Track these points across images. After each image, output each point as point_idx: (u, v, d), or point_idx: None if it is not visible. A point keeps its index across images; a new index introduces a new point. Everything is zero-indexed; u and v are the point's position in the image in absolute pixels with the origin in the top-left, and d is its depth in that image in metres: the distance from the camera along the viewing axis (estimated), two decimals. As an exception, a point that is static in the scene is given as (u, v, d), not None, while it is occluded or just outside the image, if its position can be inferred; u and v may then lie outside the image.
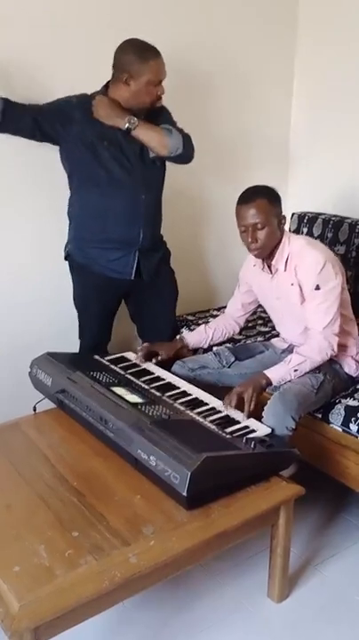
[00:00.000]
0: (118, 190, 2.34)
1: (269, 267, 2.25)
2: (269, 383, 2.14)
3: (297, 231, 3.22)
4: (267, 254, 2.21)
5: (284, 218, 2.20)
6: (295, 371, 2.14)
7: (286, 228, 3.20)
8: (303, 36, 3.28)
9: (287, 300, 2.25)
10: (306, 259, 2.15)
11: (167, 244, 2.63)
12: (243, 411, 2.06)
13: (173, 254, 2.65)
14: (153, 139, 2.33)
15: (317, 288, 2.13)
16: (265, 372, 2.15)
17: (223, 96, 3.11)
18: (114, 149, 2.31)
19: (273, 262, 2.22)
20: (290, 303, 2.24)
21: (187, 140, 2.38)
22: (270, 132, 3.37)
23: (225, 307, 2.64)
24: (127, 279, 2.45)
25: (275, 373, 2.14)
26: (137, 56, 2.21)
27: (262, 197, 2.12)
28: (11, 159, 2.49)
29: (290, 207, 3.44)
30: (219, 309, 3.10)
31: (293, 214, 3.27)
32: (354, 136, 3.11)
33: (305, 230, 3.18)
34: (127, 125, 2.27)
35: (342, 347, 2.26)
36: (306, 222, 3.20)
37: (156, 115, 2.36)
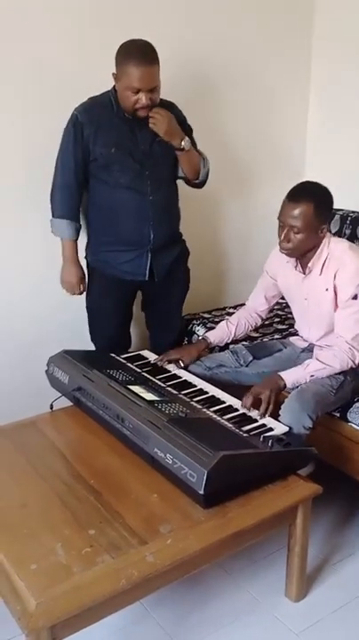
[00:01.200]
0: (126, 192, 2.33)
1: (303, 266, 2.21)
2: (285, 385, 2.12)
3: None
4: (297, 256, 2.17)
5: (328, 227, 2.11)
6: (311, 376, 2.11)
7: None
8: (319, 47, 3.26)
9: (317, 304, 2.21)
10: (348, 266, 2.09)
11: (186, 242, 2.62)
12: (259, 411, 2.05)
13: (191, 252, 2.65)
14: (191, 165, 2.38)
15: (355, 297, 2.08)
16: (280, 373, 2.13)
17: (241, 102, 3.10)
18: (121, 154, 2.29)
19: (309, 264, 2.17)
20: (319, 307, 2.21)
21: (208, 171, 2.44)
22: (287, 130, 3.35)
23: (241, 304, 2.61)
24: (139, 280, 2.45)
25: (291, 376, 2.11)
26: (121, 57, 2.16)
27: (309, 201, 2.03)
28: (20, 163, 2.50)
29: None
30: (234, 307, 3.08)
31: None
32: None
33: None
34: (183, 146, 2.29)
35: None
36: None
37: (168, 108, 2.32)
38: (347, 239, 2.94)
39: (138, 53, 2.13)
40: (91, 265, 2.51)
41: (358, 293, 2.08)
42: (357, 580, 2.06)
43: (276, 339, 2.63)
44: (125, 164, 2.30)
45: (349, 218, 3.05)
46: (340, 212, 3.10)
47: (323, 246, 2.14)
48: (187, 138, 2.30)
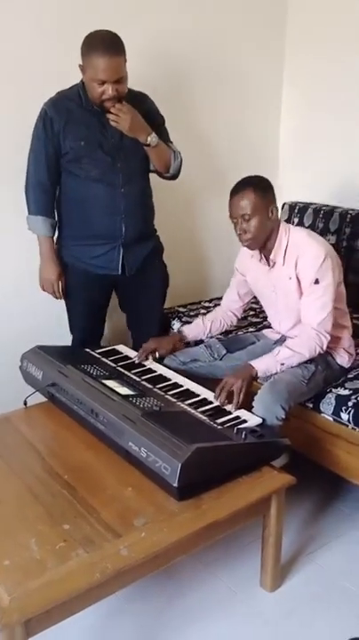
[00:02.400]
0: (97, 185, 2.32)
1: (267, 259, 2.24)
2: (256, 374, 2.14)
3: (288, 221, 3.21)
4: (259, 245, 2.19)
5: (276, 208, 2.17)
6: (282, 364, 2.13)
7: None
8: (292, 41, 3.30)
9: (284, 294, 2.24)
10: (307, 252, 2.13)
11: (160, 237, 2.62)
12: (232, 402, 2.06)
13: (166, 246, 2.64)
14: (161, 159, 2.37)
15: (316, 282, 2.11)
16: (251, 362, 2.15)
17: (212, 88, 3.10)
18: (91, 147, 2.28)
19: (271, 255, 2.21)
20: (286, 297, 2.24)
21: (181, 163, 2.43)
22: (261, 122, 3.37)
23: (217, 298, 2.63)
24: (113, 274, 2.44)
25: (262, 364, 2.14)
26: (86, 48, 2.14)
27: (249, 187, 2.11)
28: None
29: (281, 197, 3.43)
30: (210, 301, 3.09)
31: (284, 204, 3.27)
32: (345, 126, 3.11)
33: (296, 220, 3.18)
34: (149, 142, 2.27)
35: (336, 339, 2.27)
36: (297, 212, 3.19)
37: (137, 100, 2.31)
38: (320, 232, 2.99)
39: (102, 44, 2.10)
40: (64, 260, 2.49)
41: (318, 278, 2.11)
42: (332, 569, 2.09)
43: (250, 332, 2.65)
44: (96, 157, 2.29)
45: (322, 211, 3.07)
46: (313, 206, 3.13)
47: (282, 236, 2.18)
48: (153, 133, 2.28)
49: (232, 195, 2.14)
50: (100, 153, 2.29)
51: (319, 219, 3.06)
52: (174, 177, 2.49)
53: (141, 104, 2.32)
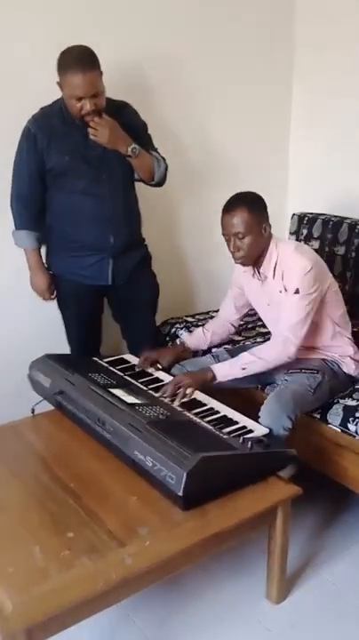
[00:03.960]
0: (83, 198, 2.34)
1: (259, 273, 2.25)
2: (214, 378, 2.17)
3: (297, 232, 3.21)
4: (251, 262, 2.21)
5: (269, 225, 2.18)
6: (243, 369, 2.16)
7: (287, 228, 3.26)
8: (301, 47, 3.30)
9: (277, 308, 2.24)
10: (292, 265, 2.14)
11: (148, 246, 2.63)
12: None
13: (154, 256, 2.65)
14: (145, 168, 2.39)
15: (296, 292, 2.13)
16: (213, 366, 2.20)
17: (219, 98, 3.12)
18: (75, 161, 2.30)
19: (261, 269, 2.23)
20: (278, 310, 2.23)
21: (166, 169, 2.45)
22: (269, 132, 3.38)
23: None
24: (103, 284, 2.46)
25: (223, 369, 2.19)
26: (60, 66, 2.16)
27: (243, 206, 2.11)
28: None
29: (290, 208, 3.45)
30: (217, 311, 3.09)
31: (293, 215, 3.27)
32: (355, 136, 3.10)
33: (304, 231, 3.17)
34: (129, 152, 2.29)
35: (338, 348, 2.27)
36: (306, 223, 3.19)
37: (117, 110, 2.33)
38: (329, 243, 2.99)
39: (74, 61, 2.12)
40: (54, 272, 2.52)
41: (299, 288, 2.12)
42: (338, 581, 2.07)
43: (258, 342, 2.64)
44: (81, 171, 2.32)
45: (331, 222, 3.07)
46: (322, 217, 3.12)
47: (272, 250, 2.19)
48: (133, 144, 2.29)
49: (225, 212, 2.15)
50: (85, 166, 2.32)
51: (328, 230, 3.06)
52: (160, 184, 2.50)
53: (121, 114, 2.34)
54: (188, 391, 2.15)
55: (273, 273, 2.20)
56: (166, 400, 2.13)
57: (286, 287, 2.16)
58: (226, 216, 2.14)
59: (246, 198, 2.15)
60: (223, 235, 2.17)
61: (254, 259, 2.19)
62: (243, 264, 2.22)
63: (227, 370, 2.18)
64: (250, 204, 2.13)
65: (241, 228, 2.11)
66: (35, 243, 2.46)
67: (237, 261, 2.21)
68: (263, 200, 2.19)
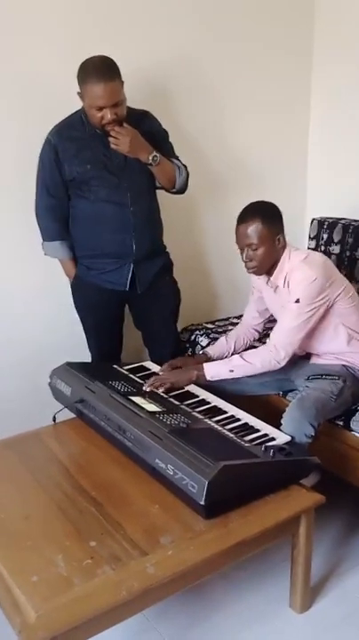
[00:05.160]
0: (106, 205, 2.35)
1: (271, 282, 2.26)
2: (203, 376, 2.21)
3: (317, 237, 3.19)
4: (263, 272, 2.22)
5: (283, 235, 2.18)
6: (231, 371, 2.20)
7: (306, 233, 3.23)
8: (319, 55, 3.28)
9: None
10: (297, 276, 2.14)
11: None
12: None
13: (175, 263, 2.65)
14: (166, 176, 2.40)
15: (297, 301, 2.12)
16: (204, 364, 2.23)
17: (237, 102, 3.11)
18: (97, 170, 2.32)
19: (271, 278, 2.23)
20: None
21: (187, 177, 2.46)
22: (289, 136, 3.37)
23: (241, 315, 2.63)
24: (122, 290, 2.46)
25: (211, 368, 2.23)
26: (81, 77, 2.18)
27: (257, 217, 2.12)
28: (14, 177, 2.54)
29: (309, 213, 3.43)
30: (238, 317, 3.08)
31: (313, 220, 3.25)
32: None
33: (325, 236, 3.15)
34: (151, 161, 2.30)
35: (356, 354, 2.26)
36: (326, 228, 3.17)
37: (138, 119, 2.35)
38: (350, 249, 2.97)
39: (95, 71, 2.13)
40: (75, 277, 2.54)
41: (300, 298, 2.12)
42: (363, 590, 2.05)
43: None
44: (103, 179, 2.33)
45: (351, 227, 3.05)
46: (343, 222, 3.10)
47: (285, 260, 2.19)
48: (154, 152, 2.30)
49: (239, 222, 2.15)
50: (107, 174, 2.33)
51: (348, 234, 3.04)
52: (181, 192, 2.51)
53: (142, 123, 2.35)
54: (161, 388, 2.21)
55: (283, 282, 2.20)
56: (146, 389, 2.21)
57: (290, 296, 2.16)
58: (239, 227, 2.14)
59: (261, 209, 2.15)
60: (237, 244, 2.18)
61: (267, 269, 2.20)
62: (256, 274, 2.24)
63: (216, 370, 2.23)
64: (263, 215, 2.13)
65: (254, 240, 2.12)
66: (70, 252, 2.49)
67: (249, 271, 2.22)
68: (278, 210, 2.19)
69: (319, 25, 3.24)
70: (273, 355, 2.17)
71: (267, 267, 2.19)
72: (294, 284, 2.15)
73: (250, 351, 2.25)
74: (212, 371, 2.22)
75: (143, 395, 2.18)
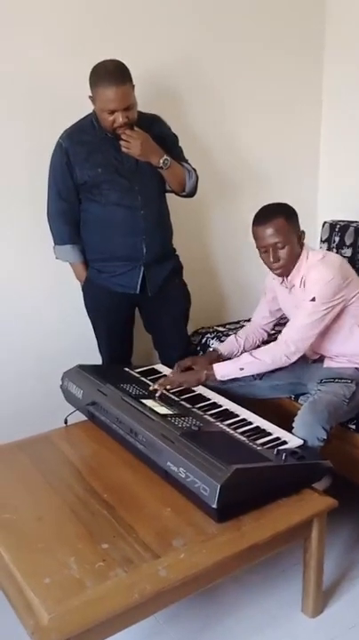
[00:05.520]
0: (117, 209, 2.36)
1: (287, 282, 2.25)
2: (213, 376, 2.20)
3: (329, 240, 3.18)
4: (288, 272, 2.21)
5: (303, 233, 2.18)
6: (241, 369, 2.19)
7: (318, 236, 3.23)
8: (331, 57, 3.27)
9: None
10: (314, 275, 2.14)
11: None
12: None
13: (185, 266, 2.66)
14: (176, 179, 2.41)
15: (312, 300, 2.12)
16: (214, 365, 2.23)
17: (248, 104, 3.11)
18: (108, 174, 2.33)
19: (289, 278, 2.22)
20: None
21: (197, 180, 2.47)
22: (299, 138, 3.36)
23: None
24: (132, 293, 2.47)
25: (222, 368, 2.22)
26: (93, 80, 2.19)
27: (279, 216, 2.12)
28: (26, 178, 2.55)
29: (321, 216, 3.42)
30: (248, 320, 3.08)
31: (325, 223, 3.24)
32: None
33: (336, 239, 3.14)
34: (161, 164, 2.31)
35: None
36: (337, 231, 3.16)
37: (148, 123, 2.36)
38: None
39: (107, 75, 2.15)
40: (85, 280, 2.55)
41: (316, 296, 2.11)
42: (375, 595, 2.03)
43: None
44: (114, 183, 2.34)
45: (363, 230, 3.04)
46: (354, 225, 3.09)
47: (302, 260, 2.18)
48: (165, 156, 2.31)
49: (260, 223, 2.14)
50: (118, 178, 2.34)
51: (360, 237, 3.03)
52: (190, 195, 2.52)
53: (152, 127, 2.36)
54: (167, 387, 2.23)
55: (299, 282, 2.19)
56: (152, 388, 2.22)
57: (305, 295, 2.15)
58: (261, 227, 2.13)
59: (280, 207, 2.16)
60: (259, 247, 2.17)
61: (291, 268, 2.19)
62: (281, 274, 2.22)
63: (226, 370, 2.22)
64: (286, 214, 2.13)
65: (279, 238, 2.11)
66: (81, 255, 2.50)
67: (276, 272, 2.20)
68: (294, 209, 2.19)
69: (330, 23, 3.22)
70: (283, 350, 2.16)
71: (291, 266, 2.18)
72: (311, 283, 2.14)
73: (259, 349, 2.25)
74: (222, 370, 2.22)
75: (154, 397, 2.18)
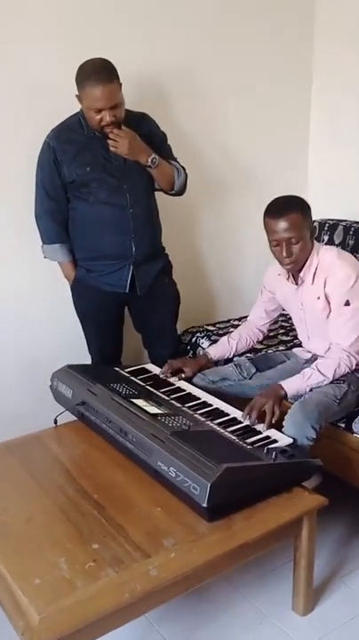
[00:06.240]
0: (105, 208, 2.36)
1: (295, 277, 2.22)
2: (285, 394, 2.12)
3: (318, 239, 3.18)
4: (299, 267, 2.17)
5: (315, 228, 2.16)
6: (308, 385, 2.12)
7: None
8: (320, 51, 3.27)
9: (311, 312, 2.23)
10: (337, 273, 2.11)
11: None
12: (263, 422, 2.04)
13: (175, 265, 2.65)
14: (165, 178, 2.41)
15: (347, 304, 2.09)
16: (281, 382, 2.14)
17: (235, 100, 3.11)
18: (97, 172, 2.32)
19: (300, 274, 2.19)
20: (313, 315, 2.22)
21: (186, 178, 2.47)
22: (289, 137, 3.37)
23: (244, 317, 2.62)
24: (121, 292, 2.46)
25: (292, 386, 2.12)
26: (79, 79, 2.18)
27: (295, 210, 2.07)
28: (24, 181, 2.52)
29: (310, 215, 3.43)
30: (239, 319, 3.09)
31: (313, 222, 3.24)
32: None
33: (326, 238, 3.15)
34: (150, 163, 2.31)
35: None
36: (326, 230, 3.17)
37: (136, 121, 2.36)
38: (351, 250, 2.96)
39: (93, 74, 2.14)
40: (74, 279, 2.54)
41: (349, 299, 2.09)
42: (365, 592, 2.04)
43: (280, 350, 2.63)
44: (102, 181, 2.33)
45: (353, 229, 3.05)
46: (343, 223, 3.11)
47: (314, 255, 2.15)
48: (153, 154, 2.32)
49: (275, 216, 2.07)
50: (107, 176, 2.33)
51: (349, 236, 3.04)
52: (179, 193, 2.52)
53: (140, 125, 2.36)
54: (276, 410, 2.04)
55: (312, 278, 2.16)
56: (248, 422, 2.04)
57: (329, 296, 2.13)
58: (275, 220, 2.06)
59: (296, 201, 2.12)
60: (271, 240, 2.10)
61: (302, 264, 2.15)
62: (292, 269, 2.17)
63: (296, 387, 2.12)
64: (301, 208, 2.09)
65: (294, 233, 2.05)
66: (70, 255, 2.49)
67: (286, 267, 2.15)
68: (308, 203, 2.16)
69: (319, 22, 3.24)
70: (347, 363, 2.12)
71: (303, 261, 2.13)
72: (334, 283, 2.10)
73: (323, 363, 2.14)
74: (293, 388, 2.12)
75: (145, 397, 2.17)
